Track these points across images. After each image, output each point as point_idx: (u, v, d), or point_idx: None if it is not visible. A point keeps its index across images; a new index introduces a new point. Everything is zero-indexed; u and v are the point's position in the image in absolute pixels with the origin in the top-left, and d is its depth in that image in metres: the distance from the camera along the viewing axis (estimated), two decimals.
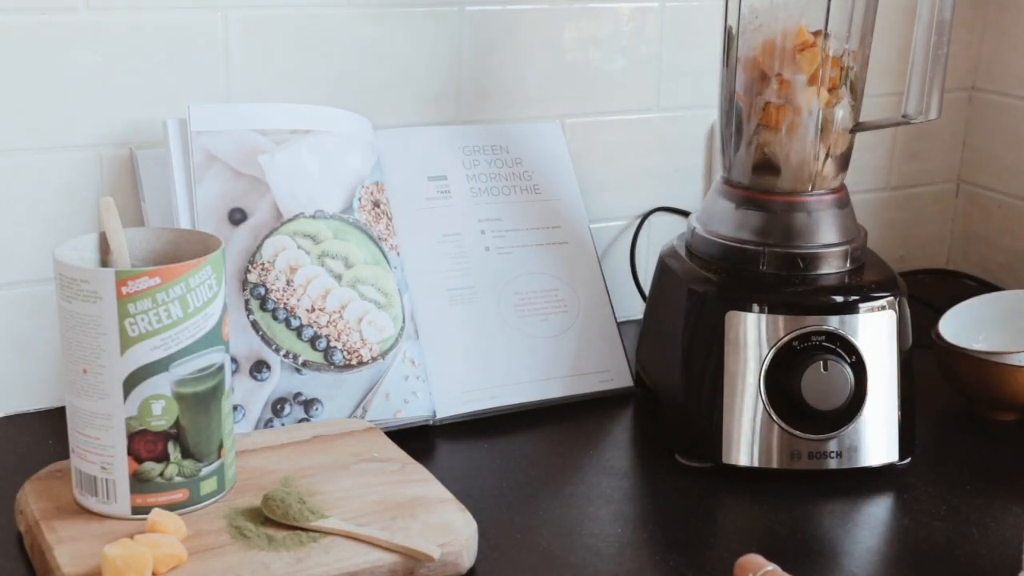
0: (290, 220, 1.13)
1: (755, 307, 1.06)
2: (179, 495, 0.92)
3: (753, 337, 1.06)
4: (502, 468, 1.08)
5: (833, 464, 1.07)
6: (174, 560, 0.84)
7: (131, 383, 0.89)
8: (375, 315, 1.14)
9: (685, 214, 1.43)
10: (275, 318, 1.10)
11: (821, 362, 1.04)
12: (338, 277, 1.13)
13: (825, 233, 1.10)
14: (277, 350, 1.10)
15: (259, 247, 1.11)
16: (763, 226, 1.11)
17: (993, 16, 1.53)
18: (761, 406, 1.05)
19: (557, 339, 1.23)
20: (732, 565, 0.93)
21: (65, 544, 0.87)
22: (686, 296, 1.10)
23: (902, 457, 1.08)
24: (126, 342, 0.88)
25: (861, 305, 1.07)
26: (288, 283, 1.11)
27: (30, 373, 1.15)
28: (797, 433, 1.06)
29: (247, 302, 1.10)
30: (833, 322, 1.06)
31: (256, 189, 1.12)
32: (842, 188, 1.14)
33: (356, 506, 0.93)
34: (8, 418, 1.15)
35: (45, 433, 1.11)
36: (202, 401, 0.91)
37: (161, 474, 0.91)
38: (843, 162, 1.13)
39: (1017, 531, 0.98)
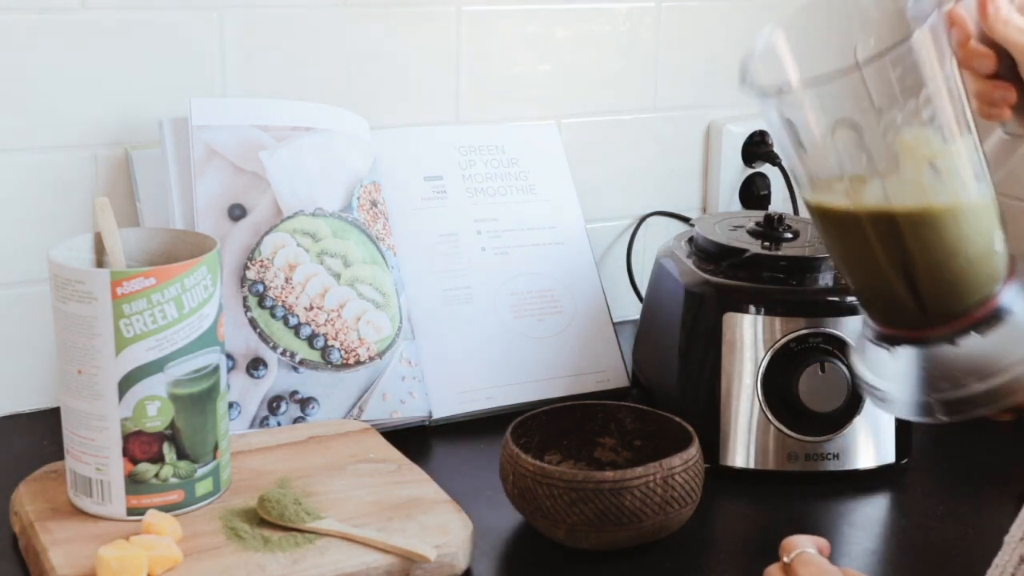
0: (290, 217, 1.12)
1: (752, 309, 1.06)
2: (174, 496, 0.92)
3: (750, 339, 1.05)
4: (498, 469, 1.08)
5: (830, 466, 1.06)
6: (169, 562, 0.84)
7: (126, 384, 0.88)
8: (373, 315, 1.13)
9: (682, 219, 1.43)
10: (273, 315, 1.10)
11: (818, 364, 1.04)
12: (337, 276, 1.13)
13: None
14: (274, 348, 1.09)
15: (258, 244, 1.11)
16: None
17: None
18: (758, 408, 1.05)
19: (553, 340, 1.23)
20: (730, 565, 0.94)
21: (60, 546, 0.87)
22: (683, 297, 1.10)
23: (899, 459, 1.08)
24: (121, 343, 0.87)
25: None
26: (287, 281, 1.11)
27: (24, 374, 1.15)
28: (794, 435, 1.05)
29: (245, 299, 1.09)
30: (830, 324, 1.06)
31: (256, 185, 1.12)
32: None
33: (352, 507, 0.93)
34: (3, 419, 1.15)
35: (40, 434, 1.10)
36: (197, 402, 0.91)
37: (156, 475, 0.91)
38: None
39: None
